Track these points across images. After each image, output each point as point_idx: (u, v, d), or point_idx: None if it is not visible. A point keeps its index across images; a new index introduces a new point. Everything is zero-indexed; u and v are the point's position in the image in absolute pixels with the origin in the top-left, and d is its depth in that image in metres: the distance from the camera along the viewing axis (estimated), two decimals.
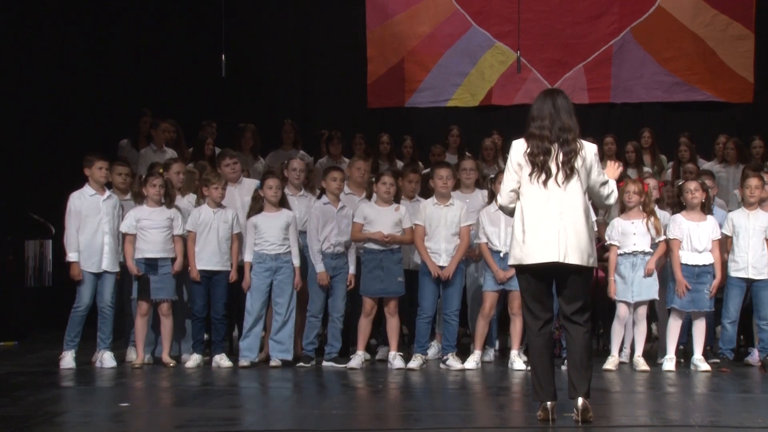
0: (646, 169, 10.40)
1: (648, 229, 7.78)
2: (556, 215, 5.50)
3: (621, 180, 8.08)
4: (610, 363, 7.73)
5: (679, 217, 7.87)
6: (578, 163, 5.54)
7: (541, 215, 5.52)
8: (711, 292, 7.72)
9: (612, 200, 5.83)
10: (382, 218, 7.86)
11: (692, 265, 7.77)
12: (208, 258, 7.99)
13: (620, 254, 7.85)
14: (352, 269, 8.00)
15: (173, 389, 7.20)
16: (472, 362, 7.78)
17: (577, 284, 5.57)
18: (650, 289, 7.78)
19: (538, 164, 5.54)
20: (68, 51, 11.06)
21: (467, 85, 12.26)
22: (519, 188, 5.62)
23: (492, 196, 7.91)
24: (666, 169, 10.62)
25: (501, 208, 5.89)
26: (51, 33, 10.96)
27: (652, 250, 7.81)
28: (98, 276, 7.87)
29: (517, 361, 7.73)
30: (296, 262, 7.99)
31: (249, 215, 8.06)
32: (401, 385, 7.19)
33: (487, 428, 5.84)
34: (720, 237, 7.83)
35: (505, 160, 10.77)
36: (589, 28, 12.10)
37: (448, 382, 7.35)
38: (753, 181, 8.01)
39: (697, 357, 7.72)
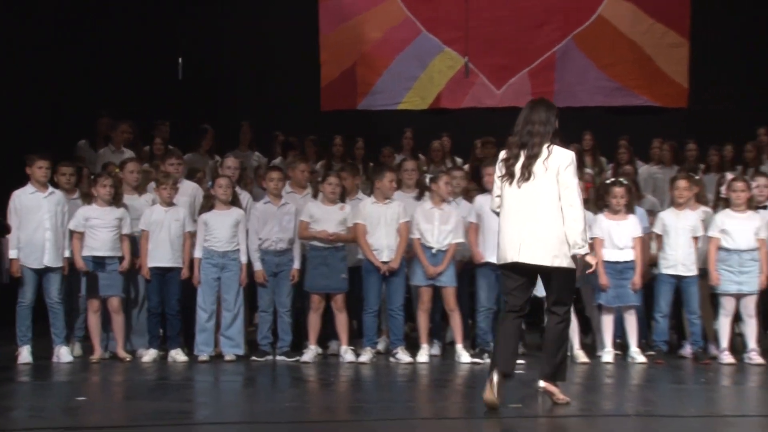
0: (587, 170, 10.43)
1: None
2: (521, 218, 5.69)
3: None
4: None
5: (600, 217, 7.99)
6: (539, 168, 5.64)
7: (510, 218, 5.75)
8: (633, 286, 7.85)
9: (572, 213, 5.69)
10: (327, 217, 7.93)
11: (614, 262, 7.90)
12: (161, 255, 8.00)
13: None
14: (296, 264, 8.03)
15: (129, 383, 7.18)
16: (424, 356, 7.81)
17: (550, 281, 5.79)
18: None
19: (506, 168, 5.75)
20: (27, 54, 10.88)
21: (417, 88, 12.29)
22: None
23: (422, 193, 8.19)
24: (606, 171, 10.71)
25: (493, 211, 6.10)
26: (9, 36, 10.81)
27: None
28: (41, 272, 7.83)
29: (464, 355, 7.78)
30: (243, 259, 8.02)
31: (200, 212, 8.13)
32: (352, 379, 7.23)
33: (430, 419, 5.86)
34: (641, 234, 7.94)
35: (453, 161, 10.94)
36: (533, 35, 12.18)
37: (396, 375, 7.38)
38: (682, 183, 8.20)
39: (633, 349, 7.85)
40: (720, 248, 7.91)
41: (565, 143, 5.86)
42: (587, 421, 5.72)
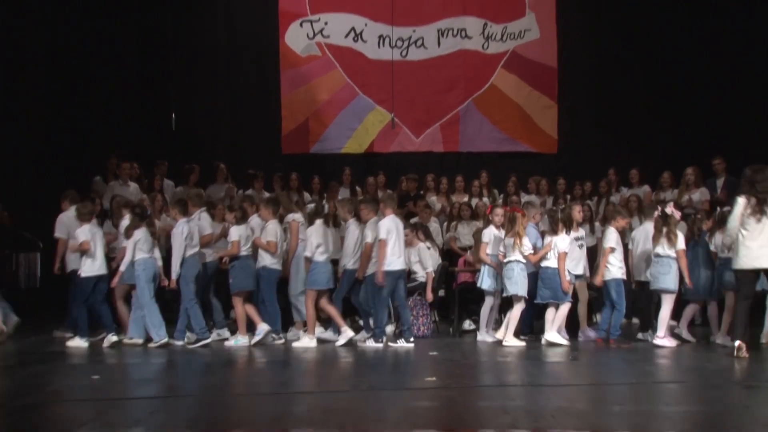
0: (485, 199, 10.57)
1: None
2: (761, 240, 6.73)
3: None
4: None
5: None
6: None
7: (753, 240, 6.76)
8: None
9: None
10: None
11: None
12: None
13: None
14: (173, 275, 7.74)
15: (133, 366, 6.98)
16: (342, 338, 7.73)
17: None
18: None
19: (753, 207, 6.80)
20: (54, 109, 10.76)
21: (355, 137, 12.19)
22: (740, 225, 6.83)
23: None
24: (498, 199, 10.77)
25: (730, 236, 7.02)
26: (41, 94, 10.68)
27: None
28: None
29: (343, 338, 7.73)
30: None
31: None
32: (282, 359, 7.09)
33: (337, 392, 5.77)
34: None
35: (384, 192, 10.83)
36: (443, 97, 12.18)
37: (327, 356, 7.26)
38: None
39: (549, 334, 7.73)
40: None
41: None
42: (499, 390, 5.67)
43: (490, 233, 8.10)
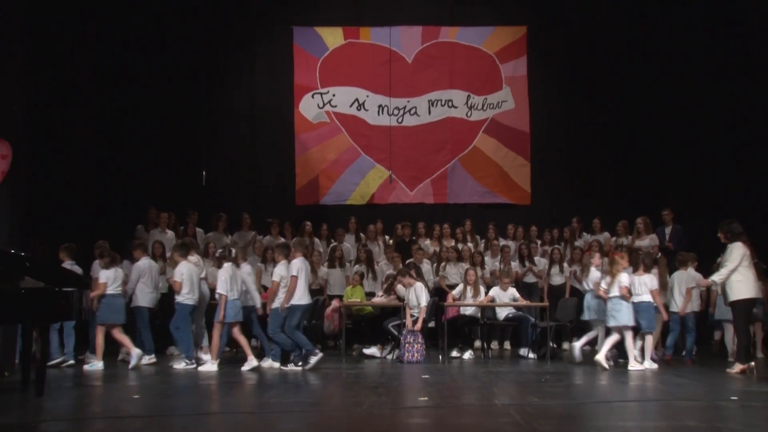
0: (469, 244, 10.70)
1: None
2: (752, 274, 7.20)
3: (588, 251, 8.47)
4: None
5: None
6: None
7: (750, 274, 7.17)
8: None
9: None
10: None
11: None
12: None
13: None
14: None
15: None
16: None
17: None
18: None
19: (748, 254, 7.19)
20: (103, 167, 10.96)
21: (359, 190, 12.26)
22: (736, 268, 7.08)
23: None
24: (479, 244, 10.93)
25: (725, 273, 7.17)
26: (92, 153, 10.87)
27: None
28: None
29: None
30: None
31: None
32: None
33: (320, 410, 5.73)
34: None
35: (384, 240, 11.01)
36: (433, 157, 12.29)
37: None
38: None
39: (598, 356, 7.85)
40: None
41: None
42: (484, 408, 5.58)
43: (596, 274, 8.17)
